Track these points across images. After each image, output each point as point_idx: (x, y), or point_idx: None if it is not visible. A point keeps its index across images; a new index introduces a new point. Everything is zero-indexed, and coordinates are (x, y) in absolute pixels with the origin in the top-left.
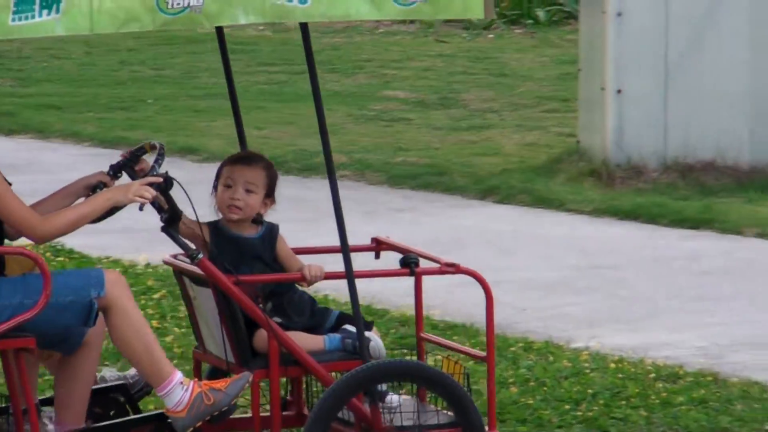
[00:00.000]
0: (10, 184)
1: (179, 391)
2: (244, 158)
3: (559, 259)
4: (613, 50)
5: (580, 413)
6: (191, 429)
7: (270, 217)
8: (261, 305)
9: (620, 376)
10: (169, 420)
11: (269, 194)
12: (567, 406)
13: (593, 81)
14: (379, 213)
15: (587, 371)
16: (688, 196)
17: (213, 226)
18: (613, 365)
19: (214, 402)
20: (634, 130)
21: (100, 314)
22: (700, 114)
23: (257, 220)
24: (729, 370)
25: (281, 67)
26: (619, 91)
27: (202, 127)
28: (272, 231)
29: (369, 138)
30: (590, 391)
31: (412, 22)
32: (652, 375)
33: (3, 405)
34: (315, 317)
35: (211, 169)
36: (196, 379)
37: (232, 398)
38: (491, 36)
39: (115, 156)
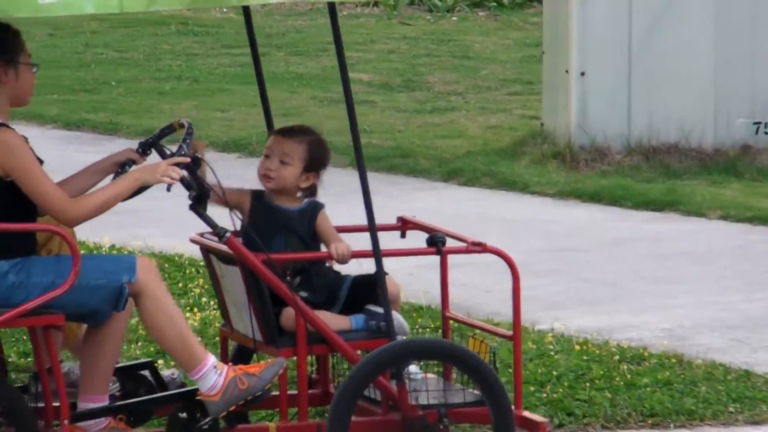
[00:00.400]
0: (41, 162)
1: (213, 375)
2: (286, 130)
3: (524, 241)
4: (576, 33)
5: (544, 395)
6: (224, 413)
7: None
8: (289, 278)
9: (585, 358)
10: (199, 398)
11: (309, 169)
12: (532, 388)
13: (557, 64)
14: (344, 195)
15: (552, 353)
16: (652, 179)
17: (257, 195)
18: (577, 347)
19: (248, 386)
20: (598, 113)
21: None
22: (663, 96)
23: (310, 193)
24: (693, 352)
25: (245, 49)
26: (582, 74)
27: (166, 109)
28: (314, 207)
29: (333, 120)
30: (555, 373)
31: (376, 4)
32: (617, 357)
33: (27, 383)
34: (333, 286)
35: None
36: (230, 364)
37: (266, 383)
38: (455, 19)
39: (79, 138)
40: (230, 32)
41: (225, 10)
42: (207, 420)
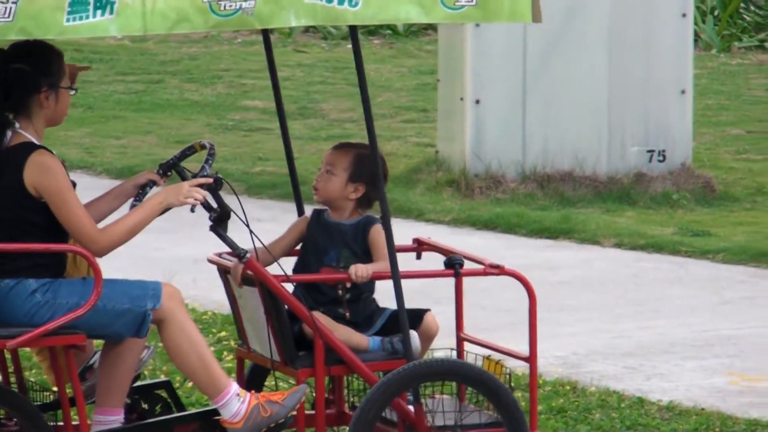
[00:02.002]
0: (74, 185)
1: (236, 402)
2: (339, 144)
3: (419, 269)
4: (471, 61)
5: None
6: None
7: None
8: (341, 292)
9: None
10: (218, 418)
11: (355, 179)
12: None
13: (452, 91)
14: (239, 222)
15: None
16: (547, 207)
17: (317, 212)
18: None
19: (271, 414)
20: (493, 141)
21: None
22: (558, 124)
23: (365, 205)
24: (587, 380)
25: (139, 76)
26: (477, 102)
27: (60, 135)
28: (368, 222)
29: (228, 148)
30: None
31: (271, 31)
32: (512, 384)
33: (50, 400)
34: (373, 315)
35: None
36: (253, 391)
37: (289, 410)
38: (350, 46)
39: None
40: (124, 59)
41: (120, 36)
42: None
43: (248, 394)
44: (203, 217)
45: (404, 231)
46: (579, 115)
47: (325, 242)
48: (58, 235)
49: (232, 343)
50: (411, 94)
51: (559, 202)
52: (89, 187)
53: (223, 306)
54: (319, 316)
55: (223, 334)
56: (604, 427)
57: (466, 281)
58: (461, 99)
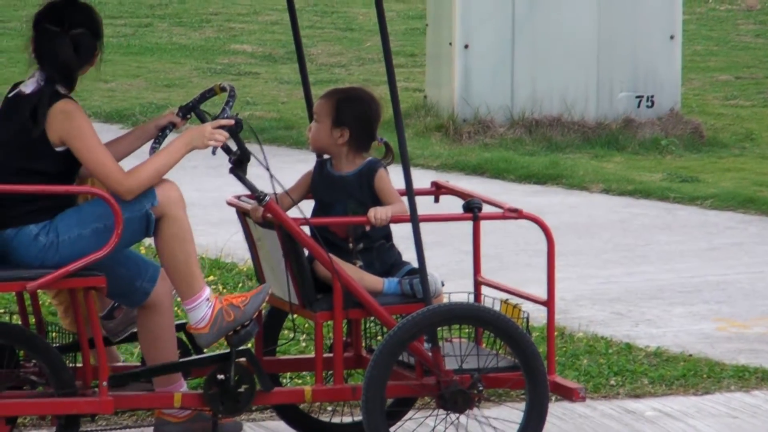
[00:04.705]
0: None
1: (204, 306)
2: (324, 92)
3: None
4: (460, 5)
5: None
6: (214, 344)
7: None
8: (351, 245)
9: (466, 330)
10: (190, 331)
11: (338, 123)
12: None
13: (441, 36)
14: (227, 167)
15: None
16: (535, 152)
17: (320, 163)
18: None
19: (234, 318)
20: (482, 86)
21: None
22: (546, 70)
23: (355, 148)
24: (575, 325)
25: (127, 19)
26: (466, 47)
27: None
28: (371, 168)
29: None
30: None
31: None
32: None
33: (70, 341)
34: (392, 268)
35: None
36: (217, 295)
37: (250, 315)
38: None
39: None
40: (113, 2)
41: None
42: (238, 377)
43: (214, 298)
44: (188, 160)
45: (393, 175)
46: (568, 60)
47: (330, 197)
48: (62, 182)
49: (221, 287)
50: (400, 38)
51: (548, 147)
52: None
53: (210, 250)
54: (336, 260)
55: (210, 278)
56: (591, 373)
57: (448, 225)
58: (450, 44)
